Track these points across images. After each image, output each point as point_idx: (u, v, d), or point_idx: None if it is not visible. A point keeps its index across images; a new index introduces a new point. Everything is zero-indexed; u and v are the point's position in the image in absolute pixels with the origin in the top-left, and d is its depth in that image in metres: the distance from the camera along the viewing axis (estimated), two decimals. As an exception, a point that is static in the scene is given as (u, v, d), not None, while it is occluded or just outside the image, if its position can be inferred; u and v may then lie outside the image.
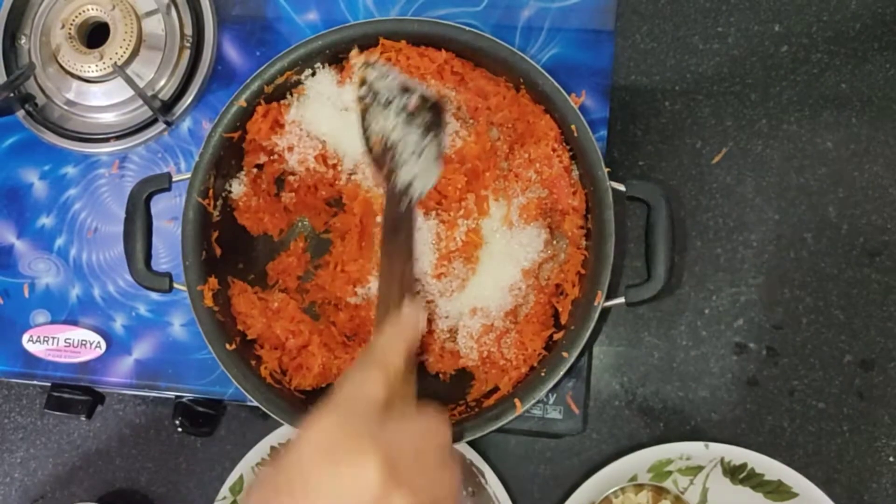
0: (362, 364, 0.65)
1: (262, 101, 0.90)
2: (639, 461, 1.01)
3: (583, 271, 0.87)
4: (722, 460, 1.00)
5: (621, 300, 0.84)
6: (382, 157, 0.83)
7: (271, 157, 0.94)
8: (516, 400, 0.82)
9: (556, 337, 0.86)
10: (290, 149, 0.92)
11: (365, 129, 0.84)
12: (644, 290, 0.83)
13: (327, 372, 0.90)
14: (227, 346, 0.86)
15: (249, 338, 0.90)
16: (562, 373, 0.82)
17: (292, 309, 0.91)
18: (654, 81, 1.08)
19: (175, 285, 0.89)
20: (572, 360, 0.82)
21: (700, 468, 1.01)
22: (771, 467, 0.99)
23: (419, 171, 0.83)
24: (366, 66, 0.85)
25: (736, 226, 1.05)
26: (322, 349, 0.89)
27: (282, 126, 0.92)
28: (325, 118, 0.92)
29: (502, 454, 1.06)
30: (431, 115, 0.83)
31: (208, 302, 0.87)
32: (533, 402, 0.82)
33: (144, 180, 0.90)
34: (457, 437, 0.83)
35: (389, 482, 0.55)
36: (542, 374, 0.83)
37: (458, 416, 0.86)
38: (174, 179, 0.90)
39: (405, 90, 0.83)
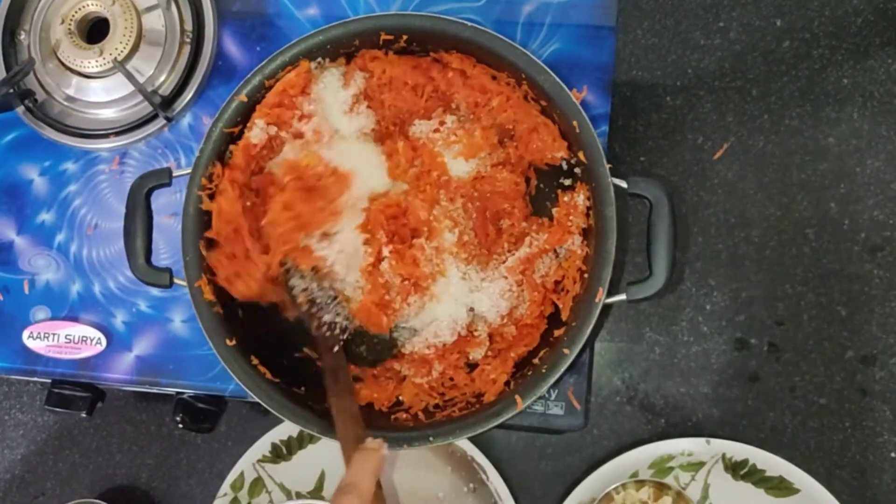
0: (340, 496, 0.74)
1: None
2: (640, 457, 1.01)
3: (584, 267, 0.87)
4: (723, 456, 1.00)
5: (622, 297, 0.83)
6: (308, 312, 0.89)
7: (280, 126, 0.92)
8: (517, 396, 0.82)
9: (556, 333, 0.86)
10: (306, 117, 0.92)
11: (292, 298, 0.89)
12: (645, 288, 0.83)
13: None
14: (228, 341, 0.86)
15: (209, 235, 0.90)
16: (563, 369, 0.82)
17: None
18: (655, 77, 1.08)
19: (175, 281, 0.89)
20: (573, 356, 0.82)
21: (701, 464, 1.01)
22: (772, 463, 0.99)
23: (337, 315, 0.90)
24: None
25: (737, 222, 1.05)
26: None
27: (308, 94, 0.93)
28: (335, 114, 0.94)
29: (503, 450, 1.05)
30: None
31: (208, 296, 0.87)
32: (534, 398, 0.82)
33: (145, 175, 0.90)
34: (458, 434, 0.83)
35: None
36: (543, 370, 0.83)
37: (459, 412, 0.86)
38: (175, 175, 0.89)
39: None
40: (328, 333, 0.88)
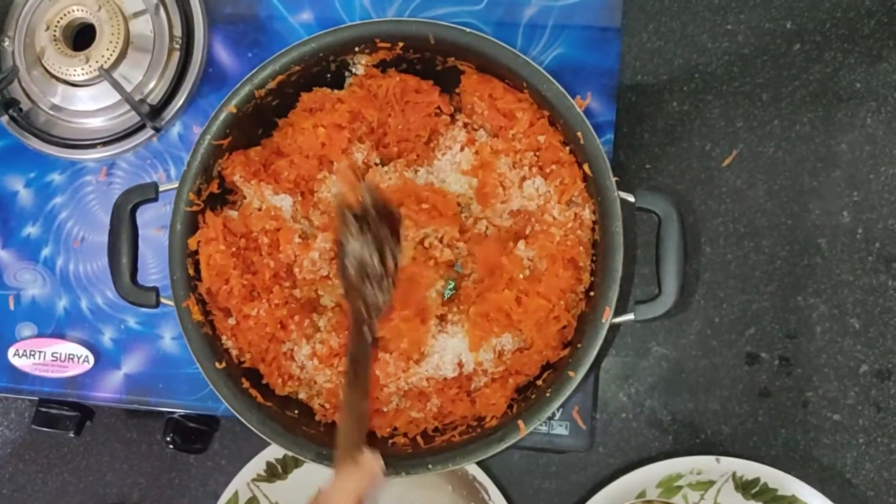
0: None
1: None
2: (647, 476, 0.98)
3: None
4: (734, 475, 0.98)
5: (630, 317, 0.80)
6: (356, 283, 0.84)
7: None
8: (520, 421, 0.79)
9: (561, 354, 0.83)
10: None
11: (343, 258, 0.84)
12: (655, 307, 0.80)
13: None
14: (217, 364, 0.83)
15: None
16: (568, 393, 0.79)
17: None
18: (661, 81, 1.05)
19: (162, 300, 0.86)
20: (579, 379, 0.79)
21: (711, 483, 0.98)
22: (784, 482, 0.97)
23: (381, 295, 0.84)
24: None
25: (747, 231, 1.02)
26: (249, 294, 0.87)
27: None
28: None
29: (506, 469, 1.03)
30: (389, 228, 0.85)
31: (197, 316, 0.84)
32: (538, 423, 0.79)
33: (129, 190, 0.87)
34: (458, 461, 0.81)
35: None
36: (548, 393, 0.80)
37: (459, 437, 0.84)
38: (161, 189, 0.86)
39: (374, 205, 0.84)
40: (366, 315, 0.84)
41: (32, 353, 0.98)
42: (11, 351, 0.99)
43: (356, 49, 0.87)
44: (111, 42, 0.97)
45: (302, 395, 0.88)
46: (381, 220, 0.84)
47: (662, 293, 0.80)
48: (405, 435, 0.86)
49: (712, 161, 1.03)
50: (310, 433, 0.83)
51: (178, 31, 0.99)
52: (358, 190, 0.84)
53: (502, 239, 0.87)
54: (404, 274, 0.86)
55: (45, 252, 1.00)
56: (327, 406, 0.87)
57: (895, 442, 0.99)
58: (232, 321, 0.86)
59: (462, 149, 0.88)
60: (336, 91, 0.90)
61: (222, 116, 0.85)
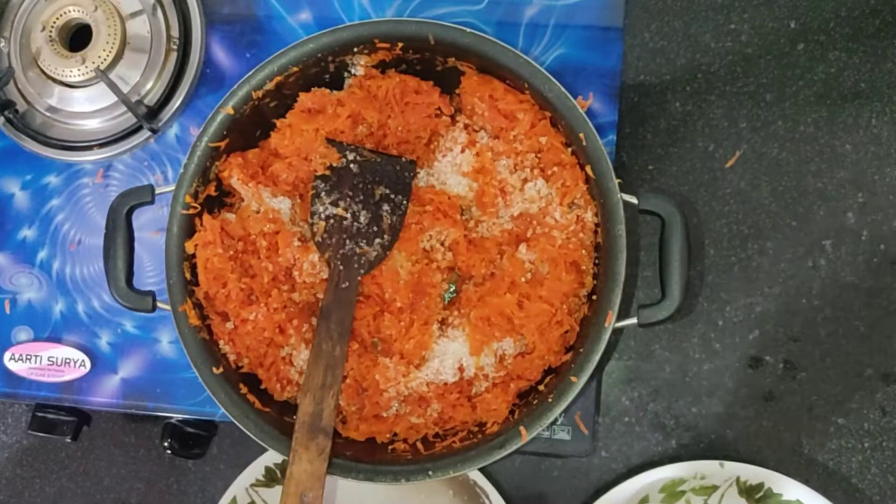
0: None
1: None
2: (650, 481, 0.97)
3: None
4: (738, 479, 0.97)
5: (633, 321, 0.80)
6: (325, 242, 0.85)
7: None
8: (521, 428, 0.79)
9: (563, 358, 0.82)
10: None
11: (311, 215, 0.85)
12: (658, 311, 0.79)
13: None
14: (214, 369, 0.82)
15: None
16: (570, 398, 0.78)
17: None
18: (663, 82, 1.03)
19: (159, 304, 0.85)
20: (581, 384, 0.78)
21: (714, 488, 0.97)
22: (789, 487, 0.96)
23: (370, 248, 0.85)
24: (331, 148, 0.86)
25: (751, 233, 1.01)
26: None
27: None
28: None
29: (507, 474, 1.02)
30: (393, 183, 0.86)
31: (193, 320, 0.83)
32: (539, 429, 0.79)
33: (125, 193, 0.86)
34: (459, 468, 0.80)
35: None
36: (550, 399, 0.79)
37: (460, 443, 0.83)
38: (157, 192, 0.85)
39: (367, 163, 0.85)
40: (341, 267, 0.84)
41: (28, 357, 0.98)
42: (7, 355, 0.98)
43: (355, 50, 0.86)
44: (108, 43, 0.96)
45: None
46: (379, 175, 0.85)
47: (666, 297, 0.79)
48: (405, 441, 0.85)
49: (716, 162, 1.02)
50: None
51: (175, 32, 0.99)
52: (332, 158, 0.85)
53: (499, 243, 0.86)
54: (412, 278, 0.85)
55: (42, 255, 1.00)
56: None
57: (901, 446, 0.99)
58: (230, 325, 0.85)
59: (463, 150, 0.87)
60: (335, 92, 0.89)
61: (219, 118, 0.84)
